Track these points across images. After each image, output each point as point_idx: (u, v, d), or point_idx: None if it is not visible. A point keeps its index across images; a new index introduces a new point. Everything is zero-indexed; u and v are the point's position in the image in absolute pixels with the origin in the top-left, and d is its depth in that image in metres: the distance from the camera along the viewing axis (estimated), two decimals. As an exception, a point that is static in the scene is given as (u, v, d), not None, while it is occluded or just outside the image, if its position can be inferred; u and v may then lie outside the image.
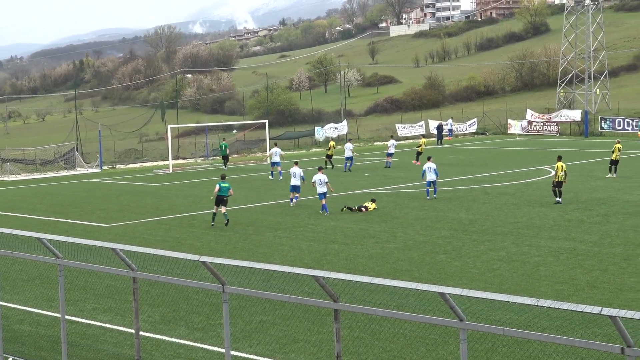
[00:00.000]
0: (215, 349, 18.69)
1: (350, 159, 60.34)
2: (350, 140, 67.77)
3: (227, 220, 36.56)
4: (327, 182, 40.02)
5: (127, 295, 22.58)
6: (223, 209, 36.77)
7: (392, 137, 68.91)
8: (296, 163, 43.75)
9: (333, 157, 62.86)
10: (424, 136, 72.89)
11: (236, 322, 20.26)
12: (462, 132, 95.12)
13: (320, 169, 41.79)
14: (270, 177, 56.29)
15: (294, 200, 42.14)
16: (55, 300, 22.46)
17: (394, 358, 17.68)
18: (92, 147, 77.51)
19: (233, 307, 19.96)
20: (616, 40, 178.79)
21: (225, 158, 65.95)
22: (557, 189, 40.28)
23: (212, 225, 36.64)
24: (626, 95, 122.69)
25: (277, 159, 56.97)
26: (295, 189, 41.99)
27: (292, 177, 42.19)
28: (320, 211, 39.38)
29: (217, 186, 37.01)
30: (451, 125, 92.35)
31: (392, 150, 62.50)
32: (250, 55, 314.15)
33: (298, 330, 19.77)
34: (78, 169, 69.18)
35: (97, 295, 24.00)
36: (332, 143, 65.58)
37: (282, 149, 60.36)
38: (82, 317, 21.85)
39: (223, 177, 38.48)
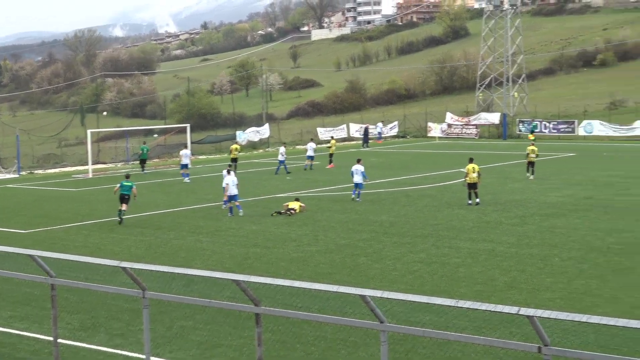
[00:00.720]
0: (136, 355, 18.52)
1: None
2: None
3: (122, 219, 37.95)
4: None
5: (45, 303, 22.25)
6: (124, 207, 38.16)
7: (312, 140, 68.99)
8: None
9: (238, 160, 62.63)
10: (333, 137, 73.21)
11: (157, 327, 20.10)
12: (383, 135, 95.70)
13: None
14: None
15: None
16: (-29, 308, 22.06)
17: (316, 361, 17.71)
18: (9, 152, 76.23)
19: (153, 313, 19.79)
20: (534, 45, 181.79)
21: (143, 162, 65.33)
22: (472, 190, 40.81)
23: (120, 222, 37.72)
24: (543, 99, 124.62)
25: (311, 152, 62.46)
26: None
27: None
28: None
29: (118, 185, 39.02)
30: (381, 129, 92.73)
31: (311, 153, 62.68)
32: (172, 58, 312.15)
33: (219, 335, 19.70)
34: (-4, 174, 68.00)
35: (14, 302, 23.62)
36: (234, 146, 64.43)
37: (200, 150, 60.40)
38: (-1, 325, 21.49)
39: (127, 177, 40.47)
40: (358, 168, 43.64)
